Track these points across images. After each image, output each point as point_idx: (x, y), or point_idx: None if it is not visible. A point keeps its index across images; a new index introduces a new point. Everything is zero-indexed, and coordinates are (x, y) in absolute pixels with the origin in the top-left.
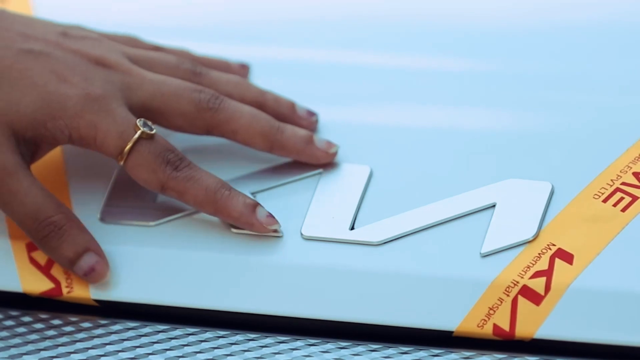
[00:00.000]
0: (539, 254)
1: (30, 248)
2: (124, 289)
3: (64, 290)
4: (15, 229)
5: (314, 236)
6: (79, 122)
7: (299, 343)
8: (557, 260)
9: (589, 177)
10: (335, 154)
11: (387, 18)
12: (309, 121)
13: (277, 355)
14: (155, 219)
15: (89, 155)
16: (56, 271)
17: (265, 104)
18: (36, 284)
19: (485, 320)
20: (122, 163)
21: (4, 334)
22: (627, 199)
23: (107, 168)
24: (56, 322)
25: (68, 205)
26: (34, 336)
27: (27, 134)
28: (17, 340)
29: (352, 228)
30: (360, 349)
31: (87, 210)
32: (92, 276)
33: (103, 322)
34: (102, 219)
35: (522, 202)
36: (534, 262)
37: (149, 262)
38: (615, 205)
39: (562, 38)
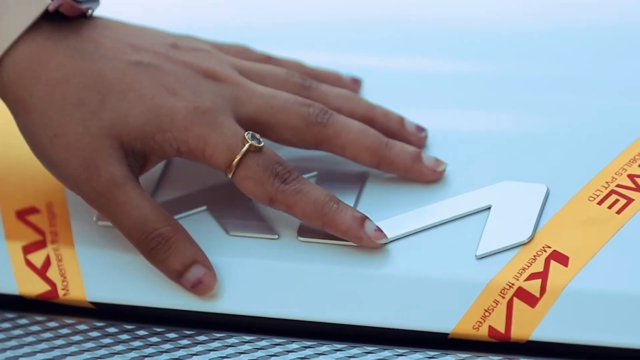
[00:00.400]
0: (534, 256)
1: (27, 250)
2: (120, 291)
3: (60, 293)
4: (11, 231)
5: (310, 238)
6: (188, 135)
7: (294, 345)
8: (552, 262)
9: (584, 179)
10: (443, 172)
11: (387, 21)
12: (418, 137)
13: (272, 358)
14: None
15: None
16: (52, 273)
17: (375, 118)
18: (32, 286)
19: (480, 322)
20: (230, 176)
21: (0, 336)
22: (622, 201)
23: None
24: (52, 324)
25: (65, 208)
26: (30, 338)
27: (135, 146)
28: (13, 343)
29: None
30: (356, 351)
31: (84, 213)
32: (199, 288)
33: (99, 324)
34: (99, 221)
35: (517, 204)
36: (529, 264)
37: (145, 264)
38: (610, 207)
39: (559, 41)
